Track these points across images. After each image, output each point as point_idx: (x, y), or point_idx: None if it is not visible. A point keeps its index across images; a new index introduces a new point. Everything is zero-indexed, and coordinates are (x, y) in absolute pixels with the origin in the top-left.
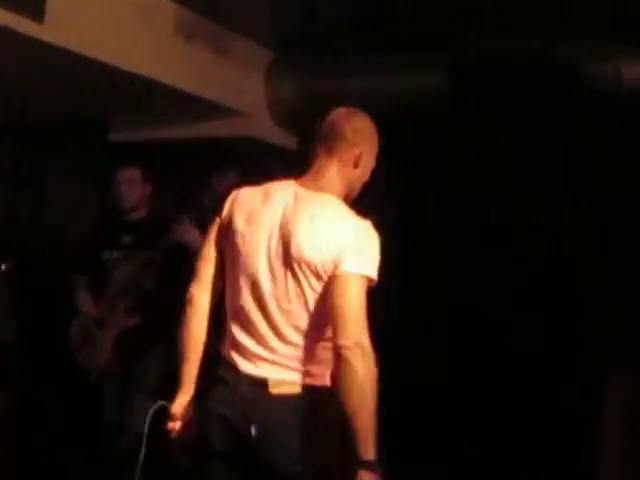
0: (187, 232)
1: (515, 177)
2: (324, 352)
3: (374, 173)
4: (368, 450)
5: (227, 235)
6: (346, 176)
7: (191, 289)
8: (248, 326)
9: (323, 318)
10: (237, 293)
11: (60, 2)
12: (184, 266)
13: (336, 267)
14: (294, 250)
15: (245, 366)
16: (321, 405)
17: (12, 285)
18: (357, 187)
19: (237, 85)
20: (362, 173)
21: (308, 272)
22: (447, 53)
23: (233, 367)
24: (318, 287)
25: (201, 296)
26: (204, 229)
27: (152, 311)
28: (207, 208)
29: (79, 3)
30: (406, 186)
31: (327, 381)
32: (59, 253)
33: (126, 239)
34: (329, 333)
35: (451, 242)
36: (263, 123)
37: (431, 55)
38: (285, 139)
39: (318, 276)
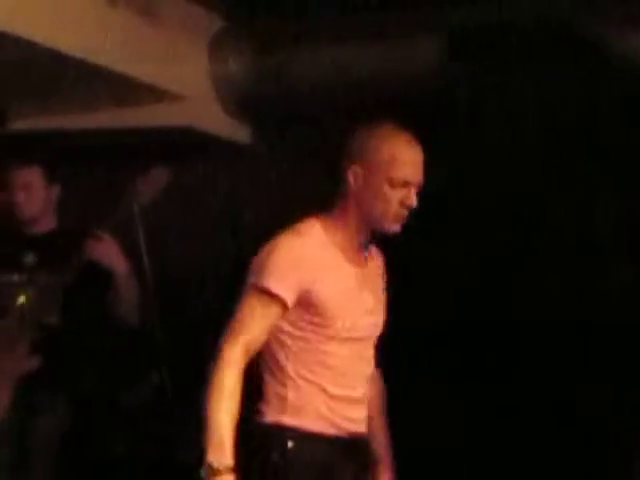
0: (104, 249)
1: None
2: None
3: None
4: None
5: None
6: (344, 197)
7: None
8: None
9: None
10: None
11: None
12: (101, 294)
13: None
14: None
15: None
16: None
17: None
18: (371, 210)
19: (173, 60)
20: (365, 193)
21: None
22: (443, 16)
23: None
24: None
25: None
26: (128, 243)
27: (60, 352)
28: (132, 217)
29: None
30: None
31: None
32: None
33: (28, 258)
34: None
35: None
36: (207, 109)
37: (421, 18)
38: (235, 130)
39: None
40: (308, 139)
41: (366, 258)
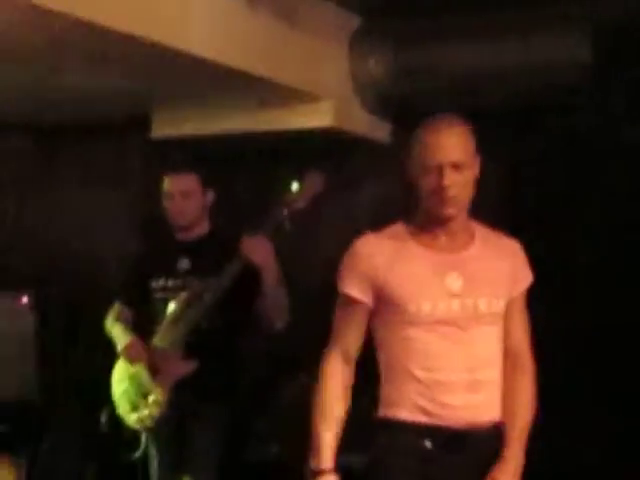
0: (261, 250)
1: None
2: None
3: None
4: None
5: None
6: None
7: None
8: None
9: None
10: None
11: None
12: (251, 297)
13: None
14: None
15: None
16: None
17: (35, 322)
18: (421, 199)
19: (314, 62)
20: (415, 184)
21: None
22: (587, 11)
23: None
24: None
25: None
26: (280, 248)
27: (213, 356)
28: (283, 222)
29: None
30: (529, 183)
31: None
32: (95, 281)
33: (183, 263)
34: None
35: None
36: (349, 109)
37: (563, 13)
38: (377, 128)
39: None
40: None
41: (465, 242)
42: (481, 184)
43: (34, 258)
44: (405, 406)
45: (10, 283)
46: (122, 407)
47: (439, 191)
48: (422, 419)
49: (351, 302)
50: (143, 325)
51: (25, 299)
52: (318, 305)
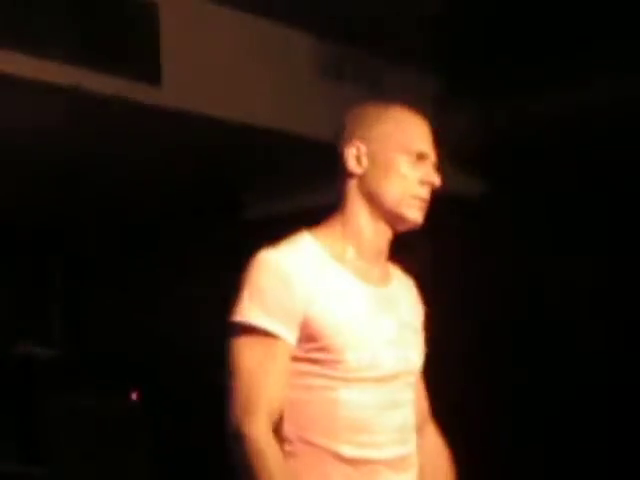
0: None
1: None
2: None
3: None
4: None
5: None
6: (343, 193)
7: None
8: None
9: None
10: None
11: (176, 59)
12: None
13: None
14: None
15: None
16: None
17: (146, 420)
18: (384, 194)
19: None
20: (373, 174)
21: None
22: None
23: None
24: None
25: None
26: None
27: None
28: None
29: (196, 57)
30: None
31: None
32: (204, 373)
33: None
34: None
35: None
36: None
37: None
38: (469, 186)
39: None
40: (543, 188)
41: (388, 273)
42: None
43: (141, 354)
44: None
45: (119, 379)
46: None
47: (417, 187)
48: None
49: (264, 338)
50: None
51: (134, 395)
52: None
